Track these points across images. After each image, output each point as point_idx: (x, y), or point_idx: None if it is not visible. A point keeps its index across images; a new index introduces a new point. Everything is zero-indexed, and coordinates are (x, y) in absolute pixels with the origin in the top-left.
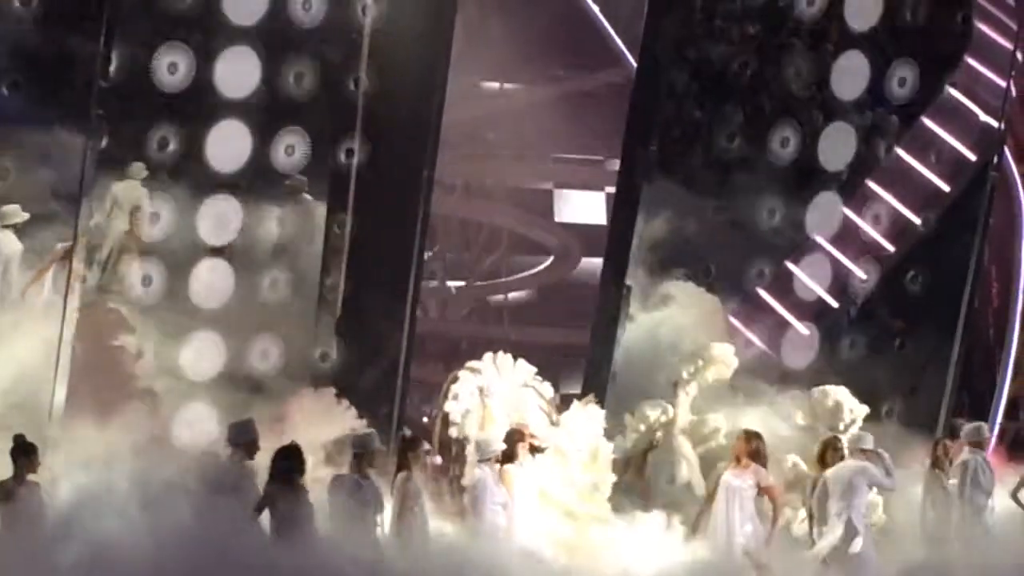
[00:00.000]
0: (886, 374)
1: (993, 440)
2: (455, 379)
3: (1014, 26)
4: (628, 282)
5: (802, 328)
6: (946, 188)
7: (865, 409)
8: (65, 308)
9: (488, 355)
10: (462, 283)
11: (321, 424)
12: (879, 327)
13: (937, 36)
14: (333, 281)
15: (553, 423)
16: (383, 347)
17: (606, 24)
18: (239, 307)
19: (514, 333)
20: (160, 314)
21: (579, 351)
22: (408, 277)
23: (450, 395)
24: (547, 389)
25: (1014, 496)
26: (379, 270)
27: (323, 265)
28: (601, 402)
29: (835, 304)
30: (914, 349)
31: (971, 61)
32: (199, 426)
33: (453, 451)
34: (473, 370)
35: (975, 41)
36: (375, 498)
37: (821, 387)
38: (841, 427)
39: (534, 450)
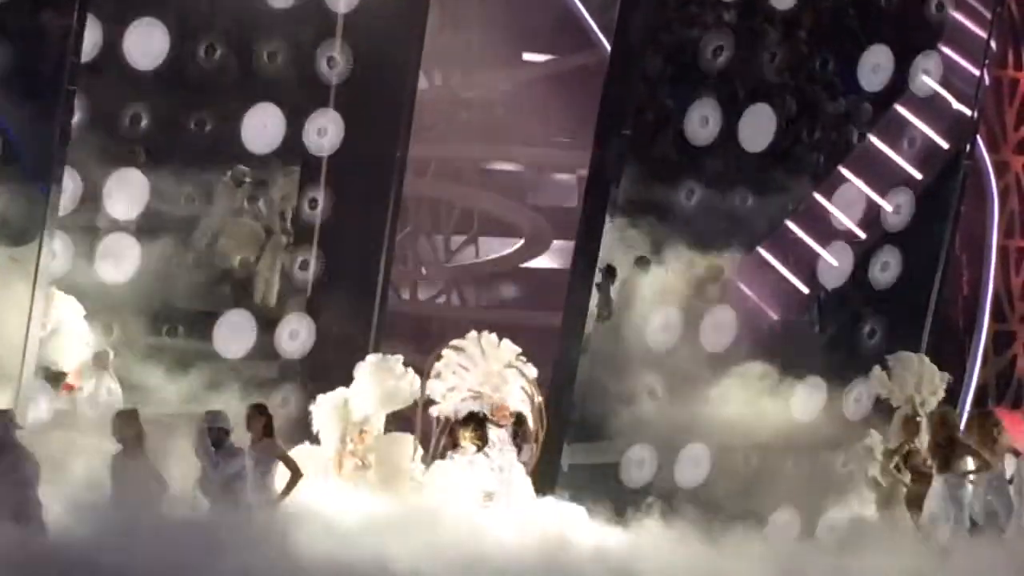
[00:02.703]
0: (855, 361)
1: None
2: (438, 357)
3: (988, 15)
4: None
5: (772, 313)
6: (918, 176)
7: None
8: (35, 287)
9: (472, 334)
10: (432, 264)
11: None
12: (849, 314)
13: (911, 24)
14: (303, 260)
15: (535, 404)
16: (353, 327)
17: (581, 7)
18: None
19: (484, 315)
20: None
21: (550, 334)
22: (379, 257)
23: (432, 373)
24: (531, 370)
25: None
26: (350, 250)
27: (294, 244)
28: (572, 383)
29: (805, 290)
30: (884, 337)
31: (945, 49)
32: None
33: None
34: (457, 348)
35: (949, 29)
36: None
37: (895, 354)
38: (919, 398)
39: (519, 433)
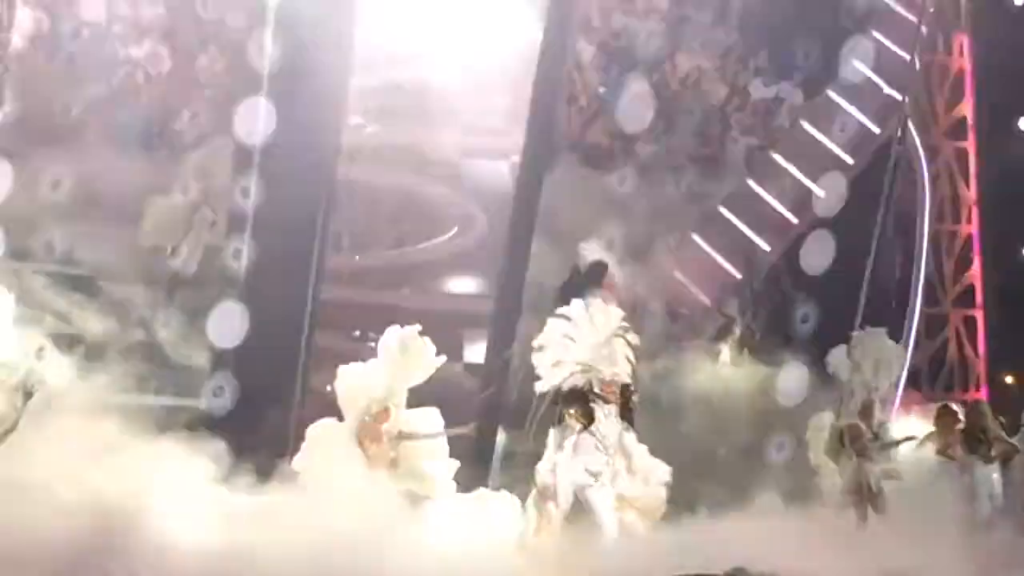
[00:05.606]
0: (789, 346)
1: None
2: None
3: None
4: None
5: (704, 298)
6: (850, 161)
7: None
8: None
9: (578, 301)
10: (366, 251)
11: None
12: (782, 299)
13: (842, 9)
14: (236, 249)
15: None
16: (287, 315)
17: None
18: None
19: (417, 302)
20: None
21: (482, 321)
22: (313, 245)
23: (535, 346)
24: (634, 337)
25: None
26: (284, 238)
27: (227, 232)
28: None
29: (738, 276)
30: (816, 321)
31: (877, 34)
32: None
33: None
34: (563, 316)
35: (881, 15)
36: None
37: (864, 333)
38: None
39: (626, 410)
